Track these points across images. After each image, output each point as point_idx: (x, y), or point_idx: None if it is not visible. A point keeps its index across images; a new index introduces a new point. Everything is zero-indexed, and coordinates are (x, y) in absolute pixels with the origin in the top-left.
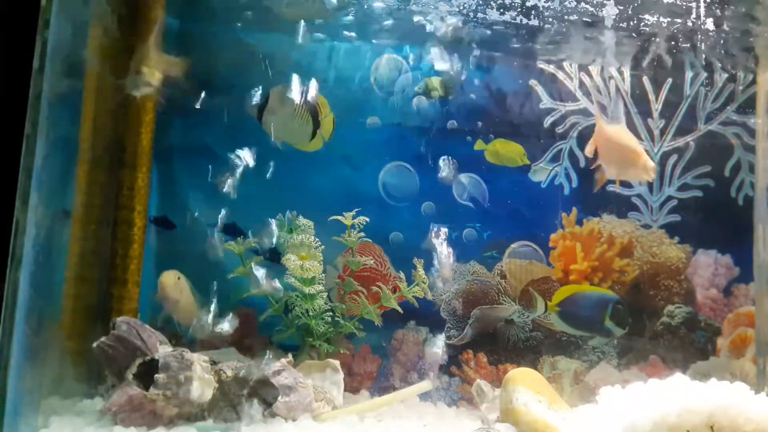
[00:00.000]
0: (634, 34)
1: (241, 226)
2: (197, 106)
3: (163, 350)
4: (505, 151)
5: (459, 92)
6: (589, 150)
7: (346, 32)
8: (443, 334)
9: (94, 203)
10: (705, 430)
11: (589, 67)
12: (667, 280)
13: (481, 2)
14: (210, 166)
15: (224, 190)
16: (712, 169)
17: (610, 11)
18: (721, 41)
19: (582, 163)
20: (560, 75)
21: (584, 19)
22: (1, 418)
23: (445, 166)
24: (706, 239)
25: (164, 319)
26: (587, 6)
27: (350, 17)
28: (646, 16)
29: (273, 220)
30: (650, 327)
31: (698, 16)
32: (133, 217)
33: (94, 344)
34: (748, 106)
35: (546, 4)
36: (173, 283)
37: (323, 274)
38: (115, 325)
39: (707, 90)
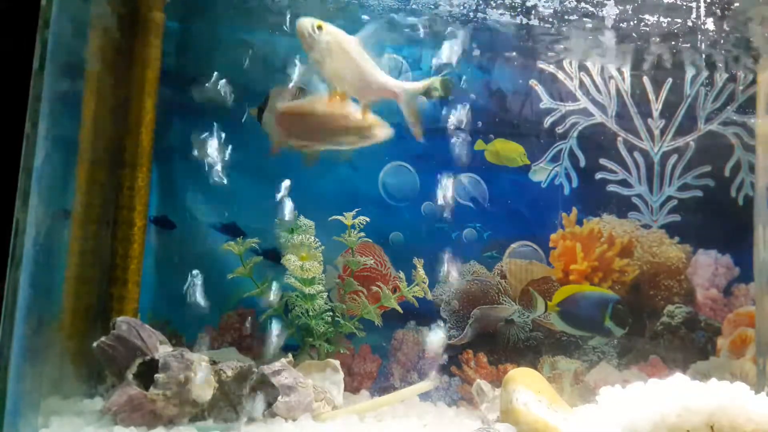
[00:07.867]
0: (634, 34)
1: (241, 226)
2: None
3: (163, 350)
4: (505, 151)
5: (459, 92)
6: None
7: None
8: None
9: (94, 203)
10: (705, 430)
11: (589, 67)
12: (667, 280)
13: (481, 2)
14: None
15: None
16: (712, 169)
17: (610, 11)
18: (722, 41)
19: (582, 163)
20: (560, 75)
21: (584, 18)
22: (1, 418)
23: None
24: (706, 239)
25: None
26: (587, 6)
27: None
28: (646, 16)
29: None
30: (650, 327)
31: (698, 16)
32: (133, 216)
33: (94, 344)
34: (748, 106)
35: (546, 4)
36: None
37: (323, 274)
38: (115, 325)
39: (707, 90)
